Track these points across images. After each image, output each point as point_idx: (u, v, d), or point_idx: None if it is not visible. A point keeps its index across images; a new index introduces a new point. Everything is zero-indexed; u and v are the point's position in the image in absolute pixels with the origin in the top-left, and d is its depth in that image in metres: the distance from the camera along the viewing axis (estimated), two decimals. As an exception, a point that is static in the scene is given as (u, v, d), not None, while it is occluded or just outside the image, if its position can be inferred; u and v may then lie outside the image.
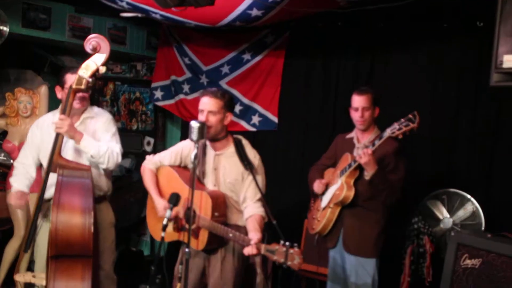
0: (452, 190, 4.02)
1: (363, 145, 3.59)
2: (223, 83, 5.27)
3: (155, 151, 5.42)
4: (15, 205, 3.61)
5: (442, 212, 4.01)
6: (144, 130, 5.96)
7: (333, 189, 3.64)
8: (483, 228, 3.82)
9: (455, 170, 4.25)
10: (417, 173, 4.15)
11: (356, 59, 4.72)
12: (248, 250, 2.90)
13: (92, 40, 3.22)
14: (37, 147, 3.60)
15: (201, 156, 3.33)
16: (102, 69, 3.24)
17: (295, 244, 2.78)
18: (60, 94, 3.55)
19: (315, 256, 4.25)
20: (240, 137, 3.37)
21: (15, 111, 4.69)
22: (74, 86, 3.21)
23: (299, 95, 5.03)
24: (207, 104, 3.20)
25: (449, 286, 3.48)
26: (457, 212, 3.95)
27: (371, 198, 3.53)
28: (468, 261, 3.42)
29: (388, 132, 3.27)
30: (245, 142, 3.35)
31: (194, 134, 2.84)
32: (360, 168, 3.49)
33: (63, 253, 2.96)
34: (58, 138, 3.22)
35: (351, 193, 3.53)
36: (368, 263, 3.60)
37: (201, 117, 3.20)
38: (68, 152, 3.46)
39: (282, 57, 5.06)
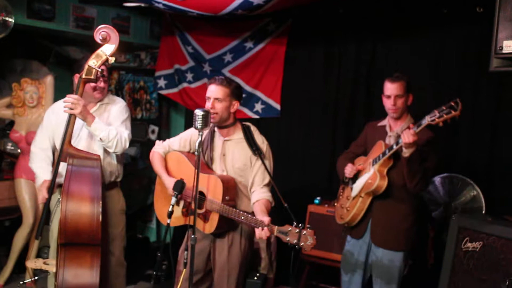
0: (453, 174, 4.06)
1: (395, 133, 3.50)
2: (226, 71, 5.30)
3: (159, 139, 5.43)
4: (42, 197, 3.54)
5: (443, 196, 4.06)
6: (149, 119, 6.00)
7: (365, 178, 3.52)
8: (483, 212, 3.87)
9: (456, 155, 4.28)
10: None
11: (358, 46, 4.74)
12: (261, 234, 2.92)
13: (102, 31, 3.25)
14: (52, 131, 3.66)
15: (209, 142, 3.38)
16: (111, 59, 3.28)
17: (308, 226, 2.82)
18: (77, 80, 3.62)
19: (319, 242, 4.29)
20: (248, 124, 3.42)
21: (21, 101, 4.74)
22: (84, 76, 3.26)
23: (301, 82, 5.05)
24: (214, 91, 3.26)
25: (450, 269, 3.52)
26: (458, 196, 3.99)
27: (403, 189, 3.42)
28: (469, 244, 3.46)
29: (427, 120, 3.10)
30: (254, 129, 3.40)
31: (198, 122, 2.89)
32: (394, 157, 3.39)
33: (72, 241, 3.01)
34: (69, 127, 3.27)
35: (385, 183, 3.40)
36: (395, 256, 3.51)
37: (208, 104, 3.26)
38: (81, 140, 3.53)
39: (284, 45, 5.07)
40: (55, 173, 3.26)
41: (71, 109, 3.25)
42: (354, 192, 3.62)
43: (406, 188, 3.41)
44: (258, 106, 5.22)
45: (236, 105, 3.32)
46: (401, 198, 3.47)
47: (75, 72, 3.59)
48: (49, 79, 4.82)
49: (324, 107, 4.91)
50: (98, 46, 3.27)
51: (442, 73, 4.32)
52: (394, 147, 3.30)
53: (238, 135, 3.35)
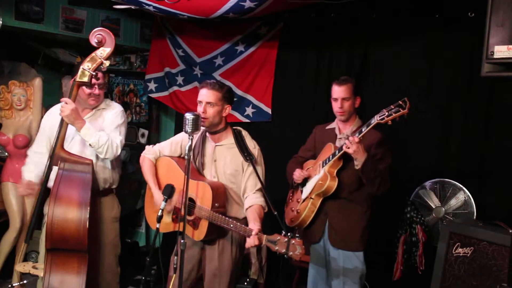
0: (444, 179, 4.06)
1: (345, 135, 3.53)
2: (216, 75, 5.27)
3: (149, 143, 5.44)
4: (23, 194, 3.57)
5: (434, 201, 4.05)
6: (139, 122, 5.96)
7: (315, 179, 3.53)
8: (474, 217, 3.86)
9: (447, 160, 4.29)
10: (409, 163, 4.19)
11: (349, 50, 4.73)
12: (250, 242, 2.91)
13: (98, 34, 3.22)
14: (48, 135, 3.60)
15: (200, 147, 3.35)
16: (106, 63, 3.25)
17: (297, 235, 2.80)
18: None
19: (308, 247, 4.29)
20: (239, 128, 3.40)
21: (9, 104, 4.68)
22: (77, 80, 3.22)
23: (293, 86, 5.04)
24: (205, 95, 3.23)
25: (441, 274, 3.51)
26: (449, 201, 3.99)
27: (357, 189, 3.49)
28: (460, 250, 3.45)
29: (376, 119, 3.17)
30: (245, 133, 3.38)
31: (188, 126, 2.86)
32: (344, 158, 3.41)
33: (58, 246, 2.97)
34: (61, 131, 3.23)
35: (335, 183, 3.42)
36: (356, 256, 3.54)
37: (200, 108, 3.23)
38: (75, 144, 3.48)
39: (276, 49, 5.06)
40: (47, 176, 3.22)
41: (61, 111, 3.22)
42: (304, 194, 3.62)
43: (358, 188, 3.48)
44: (249, 110, 5.19)
45: (228, 109, 3.30)
46: (355, 198, 3.52)
47: (72, 76, 3.55)
48: (37, 82, 4.76)
49: (316, 111, 4.90)
50: (93, 49, 3.24)
51: (434, 77, 4.33)
52: (344, 148, 3.30)
53: (229, 140, 3.32)
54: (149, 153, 3.50)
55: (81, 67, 3.20)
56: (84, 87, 3.42)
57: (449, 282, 3.47)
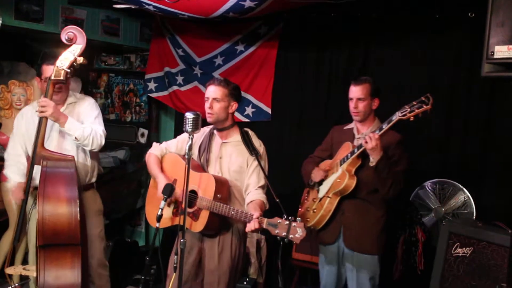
0: (443, 179, 4.06)
1: (364, 135, 3.43)
2: (216, 75, 5.27)
3: (149, 142, 5.44)
4: (17, 197, 3.59)
5: (434, 202, 4.05)
6: (138, 122, 5.96)
7: (333, 178, 3.48)
8: (474, 217, 3.86)
9: (447, 160, 4.29)
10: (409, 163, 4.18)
11: (349, 50, 4.74)
12: (250, 226, 2.91)
13: (68, 31, 3.27)
14: (23, 137, 3.65)
15: (207, 144, 3.36)
16: (80, 60, 3.28)
17: (298, 218, 2.79)
18: (40, 84, 3.61)
19: (308, 246, 4.29)
20: (247, 129, 3.43)
21: (9, 104, 4.68)
22: (53, 78, 3.25)
23: (293, 86, 5.04)
24: (212, 91, 3.27)
25: (440, 274, 3.51)
26: (449, 202, 3.99)
27: (374, 191, 3.42)
28: (459, 250, 3.45)
29: (398, 115, 3.11)
30: (252, 134, 3.41)
31: (189, 125, 2.88)
32: (362, 156, 3.36)
33: (51, 242, 2.98)
34: (40, 130, 3.25)
35: (353, 182, 3.36)
36: (370, 260, 3.50)
37: (206, 104, 3.27)
38: (52, 141, 3.51)
39: (275, 48, 5.06)
40: (30, 176, 3.24)
41: (42, 112, 3.24)
42: (321, 193, 3.58)
43: (375, 189, 3.41)
44: (249, 110, 5.19)
45: (234, 106, 3.33)
46: (371, 200, 3.46)
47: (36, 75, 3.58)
48: (37, 81, 4.76)
49: (315, 111, 4.90)
50: (65, 47, 3.27)
51: (434, 77, 4.32)
52: (363, 143, 3.26)
53: (236, 137, 3.35)
54: (155, 150, 3.51)
55: (54, 65, 3.23)
56: (44, 82, 3.47)
57: (449, 282, 3.47)
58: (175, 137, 3.67)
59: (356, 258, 3.51)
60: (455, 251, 3.47)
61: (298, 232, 2.75)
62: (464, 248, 3.43)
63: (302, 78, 4.99)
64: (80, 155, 3.59)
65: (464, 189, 3.95)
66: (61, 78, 3.25)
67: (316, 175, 3.65)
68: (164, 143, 3.55)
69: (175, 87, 5.53)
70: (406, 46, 4.46)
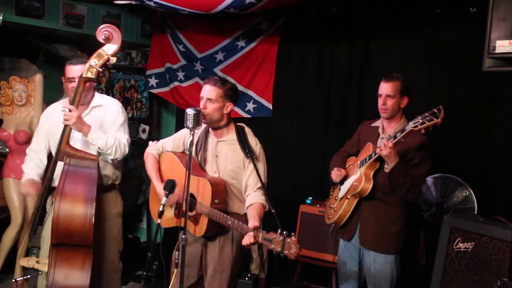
0: (445, 174, 4.06)
1: (387, 135, 3.44)
2: (217, 70, 5.27)
3: (150, 138, 5.43)
4: (25, 193, 3.60)
5: (436, 197, 4.05)
6: (140, 118, 5.96)
7: (352, 180, 3.52)
8: (475, 212, 3.87)
9: (448, 155, 4.28)
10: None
11: (351, 46, 4.73)
12: (246, 240, 2.92)
13: (105, 30, 3.23)
14: (46, 135, 3.62)
15: (203, 142, 3.36)
16: (113, 60, 3.26)
17: (292, 234, 2.79)
18: (64, 84, 3.58)
19: (311, 242, 4.30)
20: (242, 125, 3.40)
21: (10, 100, 4.68)
22: (84, 75, 3.23)
23: (294, 81, 5.03)
24: (207, 91, 3.24)
25: (442, 270, 3.51)
26: (450, 197, 3.99)
27: (391, 192, 3.40)
28: (461, 245, 3.45)
29: (410, 126, 3.08)
30: (248, 130, 3.37)
31: (190, 121, 2.88)
32: (381, 160, 3.35)
33: (64, 241, 2.98)
34: (67, 127, 3.23)
35: (369, 186, 3.38)
36: (385, 259, 3.48)
37: (200, 104, 3.24)
38: (76, 141, 3.47)
39: (277, 44, 5.05)
40: (52, 172, 3.23)
41: (66, 120, 3.23)
42: (341, 193, 3.61)
43: (393, 190, 3.39)
44: (250, 106, 5.19)
45: (229, 107, 3.29)
46: (389, 200, 3.45)
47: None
48: (38, 78, 4.76)
49: (316, 107, 4.90)
50: (100, 45, 3.25)
51: (435, 73, 4.32)
52: (377, 151, 3.27)
53: (231, 136, 3.32)
54: (152, 149, 3.52)
55: (87, 63, 3.21)
56: (67, 82, 3.46)
57: (450, 277, 3.47)
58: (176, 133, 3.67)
59: (373, 257, 3.51)
60: (457, 246, 3.47)
61: (292, 248, 2.75)
62: (465, 243, 3.43)
63: (303, 74, 4.99)
64: (103, 155, 3.53)
65: (466, 184, 3.94)
66: (93, 76, 3.23)
67: (335, 175, 3.66)
68: (160, 141, 3.55)
69: (176, 83, 5.52)
70: (407, 41, 4.45)
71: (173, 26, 5.48)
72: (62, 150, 3.19)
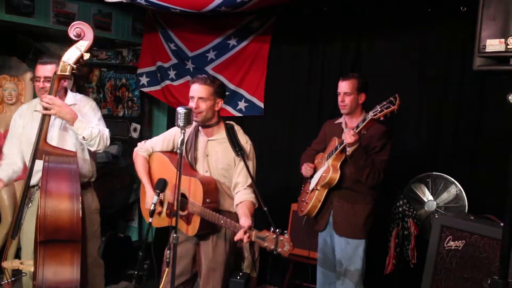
0: (436, 173, 4.08)
1: (348, 129, 3.57)
2: (209, 69, 5.26)
3: (141, 137, 5.42)
4: None
5: (426, 195, 4.07)
6: (131, 117, 5.94)
7: (320, 172, 3.74)
8: (466, 211, 3.88)
9: (439, 154, 4.30)
10: (401, 157, 4.20)
11: (342, 45, 4.74)
12: (239, 237, 2.91)
13: (76, 27, 3.23)
14: (19, 136, 3.59)
15: (193, 141, 3.34)
16: (86, 56, 3.25)
17: (285, 232, 2.80)
18: (35, 83, 3.54)
19: (302, 240, 4.30)
20: (232, 123, 3.39)
21: (0, 99, 4.65)
22: (58, 73, 3.21)
23: (285, 80, 5.03)
24: (197, 90, 3.22)
25: (433, 267, 3.53)
26: (441, 195, 4.01)
27: (358, 180, 3.61)
28: (451, 243, 3.47)
29: (370, 114, 3.33)
30: (237, 128, 3.36)
31: (181, 120, 2.86)
32: (346, 151, 3.54)
33: (52, 238, 2.96)
34: (44, 125, 3.21)
35: (337, 175, 3.61)
36: (357, 244, 3.68)
37: (192, 104, 3.21)
38: (52, 139, 3.44)
39: (268, 43, 5.05)
40: (30, 171, 3.22)
41: (46, 109, 3.20)
42: (311, 186, 3.83)
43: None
44: (242, 104, 5.19)
45: (220, 103, 3.29)
46: (357, 188, 3.65)
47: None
48: (28, 76, 4.74)
49: (308, 106, 4.90)
50: (74, 42, 3.24)
51: (426, 71, 4.33)
52: (344, 142, 3.47)
53: (221, 134, 3.31)
54: (141, 150, 3.50)
55: (61, 60, 3.20)
56: (35, 81, 3.44)
57: (441, 275, 3.49)
58: (167, 131, 3.65)
59: (345, 243, 3.69)
60: (448, 244, 3.49)
61: (286, 246, 2.77)
62: (456, 241, 3.45)
63: (295, 73, 4.99)
64: (79, 153, 3.52)
65: (456, 182, 3.96)
66: (67, 73, 3.22)
67: (304, 171, 3.91)
68: (149, 141, 3.53)
69: (167, 82, 5.51)
70: (398, 40, 4.46)
71: (164, 25, 5.46)
72: (40, 148, 3.17)
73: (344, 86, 3.70)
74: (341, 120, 3.88)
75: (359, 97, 3.69)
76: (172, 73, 5.50)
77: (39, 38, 5.51)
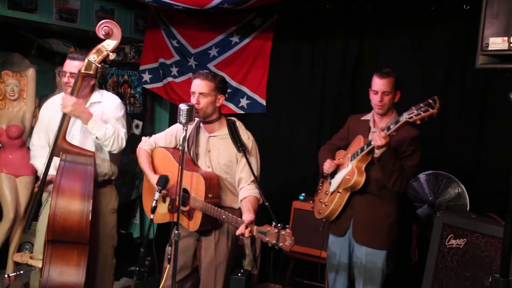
0: (438, 171, 4.07)
1: (378, 129, 3.29)
2: (211, 66, 5.26)
3: (144, 134, 5.42)
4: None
5: (428, 193, 4.06)
6: (133, 113, 5.94)
7: (343, 173, 3.45)
8: (468, 209, 3.88)
9: (441, 152, 4.29)
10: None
11: (344, 42, 4.73)
12: (240, 231, 2.91)
13: (105, 25, 3.20)
14: (45, 129, 3.58)
15: (194, 137, 3.35)
16: (112, 55, 3.23)
17: (287, 226, 2.80)
18: (61, 78, 3.55)
19: (303, 238, 4.29)
20: (234, 119, 3.39)
21: (2, 94, 4.65)
22: (82, 71, 3.20)
23: (287, 78, 5.03)
24: (198, 86, 3.22)
25: (434, 266, 3.53)
26: (443, 193, 4.00)
27: (385, 186, 3.35)
28: (453, 241, 3.47)
29: (405, 117, 3.02)
30: (239, 124, 3.37)
31: (183, 117, 2.86)
32: (373, 153, 3.29)
33: (59, 238, 2.96)
34: (64, 122, 3.21)
35: (362, 179, 3.33)
36: (377, 254, 3.44)
37: (193, 99, 3.22)
38: (74, 134, 3.44)
39: (270, 40, 5.05)
40: (47, 167, 3.21)
41: (63, 107, 3.21)
42: (332, 187, 3.55)
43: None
44: (244, 102, 5.18)
45: (221, 99, 3.29)
46: (382, 194, 3.41)
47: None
48: (30, 72, 4.74)
49: (310, 103, 4.90)
50: (100, 40, 3.22)
51: (428, 70, 4.33)
52: (372, 143, 3.19)
53: (223, 131, 3.31)
54: (145, 144, 3.51)
55: (86, 58, 3.19)
56: (62, 76, 3.43)
57: (442, 273, 3.48)
58: (169, 128, 3.66)
59: (365, 252, 3.47)
60: (449, 243, 3.49)
61: (287, 241, 2.76)
62: (457, 240, 3.44)
63: (297, 70, 4.98)
64: (98, 152, 3.48)
65: (458, 181, 3.95)
66: (91, 72, 3.20)
67: (327, 167, 3.58)
68: (153, 136, 3.54)
69: (169, 79, 5.51)
70: (401, 38, 4.45)
71: (167, 22, 5.46)
72: (58, 146, 3.17)
73: (383, 85, 3.39)
74: (368, 117, 3.58)
75: (395, 96, 3.44)
76: (174, 70, 5.49)
77: (42, 34, 5.51)
